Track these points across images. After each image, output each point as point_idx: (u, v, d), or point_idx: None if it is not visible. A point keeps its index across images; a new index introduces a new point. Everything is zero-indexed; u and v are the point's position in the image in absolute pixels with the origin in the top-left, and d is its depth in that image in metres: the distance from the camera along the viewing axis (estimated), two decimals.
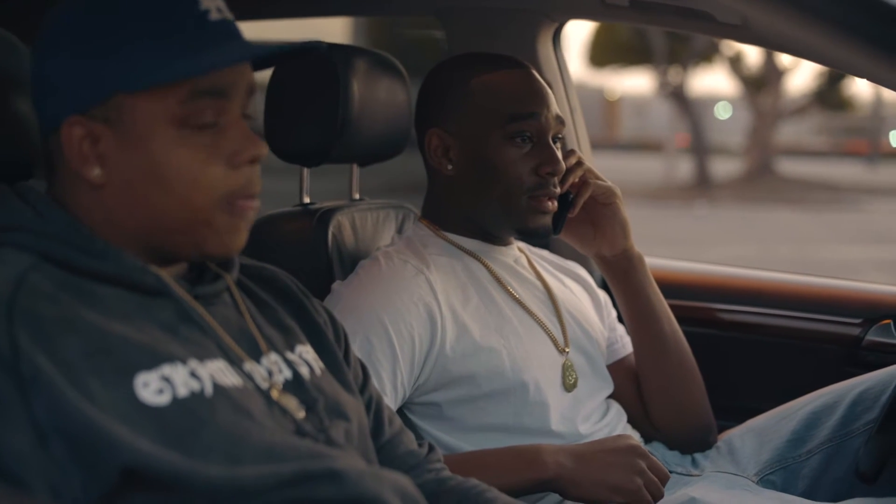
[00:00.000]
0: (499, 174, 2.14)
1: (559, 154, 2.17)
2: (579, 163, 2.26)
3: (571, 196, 2.26)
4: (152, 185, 1.41)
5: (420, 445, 1.77)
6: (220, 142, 1.43)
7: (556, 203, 2.19)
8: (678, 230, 15.42)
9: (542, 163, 2.14)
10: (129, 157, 1.40)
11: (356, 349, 1.94)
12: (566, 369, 2.21)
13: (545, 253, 2.46)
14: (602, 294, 2.46)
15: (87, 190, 1.43)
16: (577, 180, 2.26)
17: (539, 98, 2.17)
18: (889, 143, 32.59)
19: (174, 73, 1.39)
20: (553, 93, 2.23)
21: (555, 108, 2.19)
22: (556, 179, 2.17)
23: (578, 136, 2.86)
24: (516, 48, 2.54)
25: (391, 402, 2.00)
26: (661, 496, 1.98)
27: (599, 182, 2.29)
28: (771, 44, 2.47)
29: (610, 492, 1.93)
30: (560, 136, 2.20)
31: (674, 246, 12.91)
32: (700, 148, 23.36)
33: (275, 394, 1.47)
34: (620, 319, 2.46)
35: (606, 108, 37.98)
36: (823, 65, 2.40)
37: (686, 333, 2.41)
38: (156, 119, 1.40)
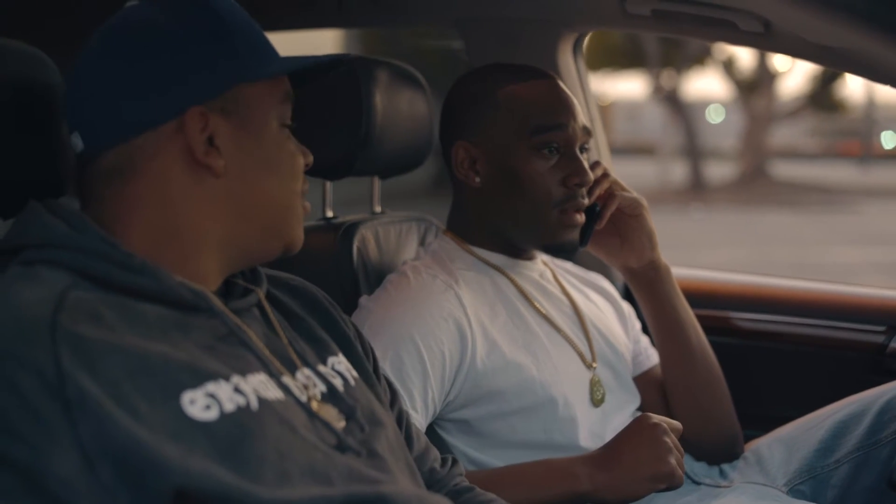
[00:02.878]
0: (526, 186, 2.13)
1: (587, 165, 2.16)
2: (605, 174, 2.25)
3: (598, 208, 2.25)
4: (267, 172, 1.50)
5: (444, 460, 1.78)
6: (292, 141, 1.55)
7: (583, 216, 2.18)
8: (674, 234, 15.40)
9: (570, 174, 2.13)
10: (246, 146, 1.49)
11: (387, 365, 1.93)
12: (594, 384, 2.20)
13: (568, 265, 2.45)
14: (626, 306, 2.45)
15: (190, 182, 1.45)
16: (603, 192, 2.25)
17: (566, 109, 2.15)
18: (881, 145, 32.63)
19: (285, 67, 1.51)
20: None
21: (581, 118, 2.18)
22: (584, 191, 2.16)
23: (599, 147, 2.86)
24: (536, 58, 2.53)
25: (422, 418, 1.99)
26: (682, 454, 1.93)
27: (626, 193, 2.27)
28: (791, 51, 2.46)
29: (648, 483, 1.88)
30: (587, 146, 2.19)
31: (669, 249, 12.74)
32: (694, 151, 23.38)
33: (314, 405, 1.46)
34: (644, 330, 2.45)
35: (599, 112, 37.93)
36: (844, 70, 2.39)
37: (710, 343, 2.40)
38: (268, 110, 1.51)
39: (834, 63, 2.34)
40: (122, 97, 1.44)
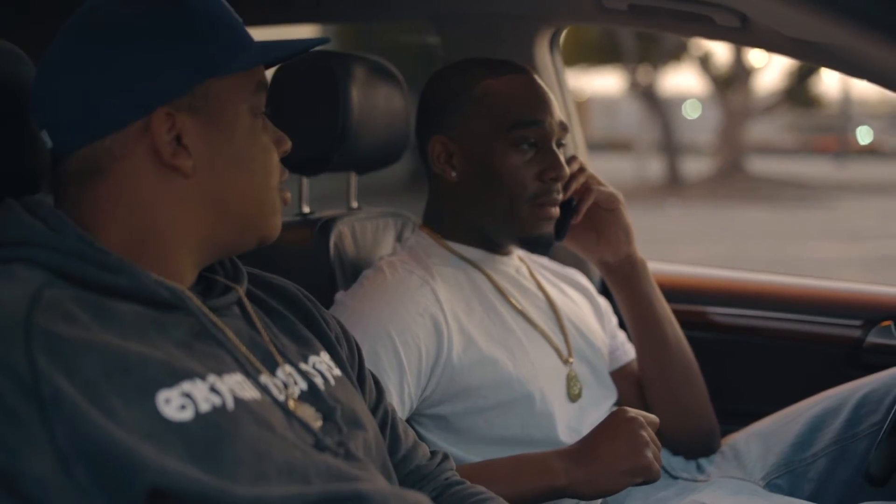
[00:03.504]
0: (502, 181, 2.13)
1: (563, 159, 2.16)
2: (582, 169, 2.26)
3: (574, 203, 2.25)
4: (237, 168, 1.47)
5: (433, 455, 1.77)
6: (267, 131, 1.52)
7: (558, 210, 2.18)
8: (650, 229, 15.39)
9: (546, 168, 2.13)
10: (215, 143, 1.45)
11: None
12: (570, 379, 2.20)
13: (544, 260, 2.45)
14: (602, 301, 2.45)
15: (160, 183, 1.43)
16: (579, 186, 2.25)
17: (543, 104, 2.16)
18: (857, 141, 32.76)
19: (257, 58, 1.48)
20: None
21: (558, 113, 2.18)
22: (559, 185, 2.16)
23: (576, 142, 2.86)
24: (513, 54, 2.53)
25: (398, 414, 1.98)
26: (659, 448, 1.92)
27: (602, 188, 2.28)
28: (769, 45, 2.47)
29: (625, 477, 1.87)
30: (563, 141, 2.19)
31: (646, 245, 12.73)
32: (670, 147, 23.44)
33: (291, 404, 1.45)
34: (621, 325, 2.45)
35: (576, 108, 37.99)
36: (821, 66, 2.40)
37: (687, 337, 2.40)
38: (238, 104, 1.47)
39: (810, 58, 2.35)
40: (86, 96, 1.41)
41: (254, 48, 1.48)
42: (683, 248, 13.44)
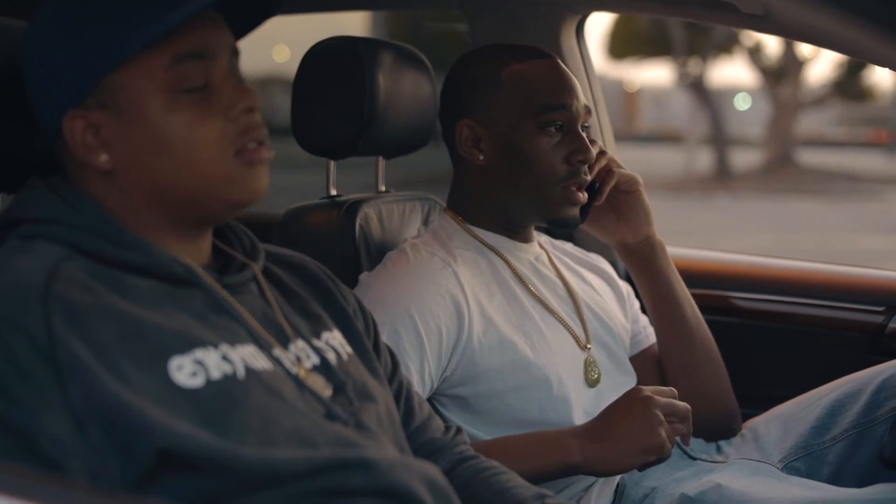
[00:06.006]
0: (531, 164, 2.16)
1: (588, 143, 2.19)
2: (602, 151, 2.29)
3: (597, 185, 2.28)
4: (157, 155, 1.44)
5: (447, 429, 1.80)
6: (213, 99, 1.45)
7: (586, 193, 2.21)
8: (698, 221, 15.41)
9: (574, 151, 2.16)
10: (130, 135, 1.43)
11: (384, 340, 1.97)
12: (588, 365, 2.23)
13: (568, 246, 2.48)
14: (624, 286, 2.47)
15: (99, 180, 1.46)
16: (601, 168, 2.28)
17: (569, 88, 2.19)
18: None
19: (145, 37, 1.40)
20: None
21: (583, 97, 2.21)
22: (586, 168, 2.19)
23: (602, 127, 2.88)
24: (540, 40, 2.55)
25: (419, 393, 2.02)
26: (686, 431, 1.98)
27: (622, 170, 2.31)
28: (791, 33, 2.48)
29: (639, 455, 1.92)
30: (586, 125, 2.22)
31: (694, 237, 12.88)
32: (720, 139, 23.34)
33: (302, 373, 1.49)
34: (643, 311, 2.48)
35: (626, 99, 37.90)
36: (843, 53, 2.41)
37: (709, 322, 2.42)
38: (145, 90, 1.42)
39: (834, 46, 2.36)
40: (36, 100, 1.49)
41: (142, 27, 1.41)
42: (730, 240, 13.38)
